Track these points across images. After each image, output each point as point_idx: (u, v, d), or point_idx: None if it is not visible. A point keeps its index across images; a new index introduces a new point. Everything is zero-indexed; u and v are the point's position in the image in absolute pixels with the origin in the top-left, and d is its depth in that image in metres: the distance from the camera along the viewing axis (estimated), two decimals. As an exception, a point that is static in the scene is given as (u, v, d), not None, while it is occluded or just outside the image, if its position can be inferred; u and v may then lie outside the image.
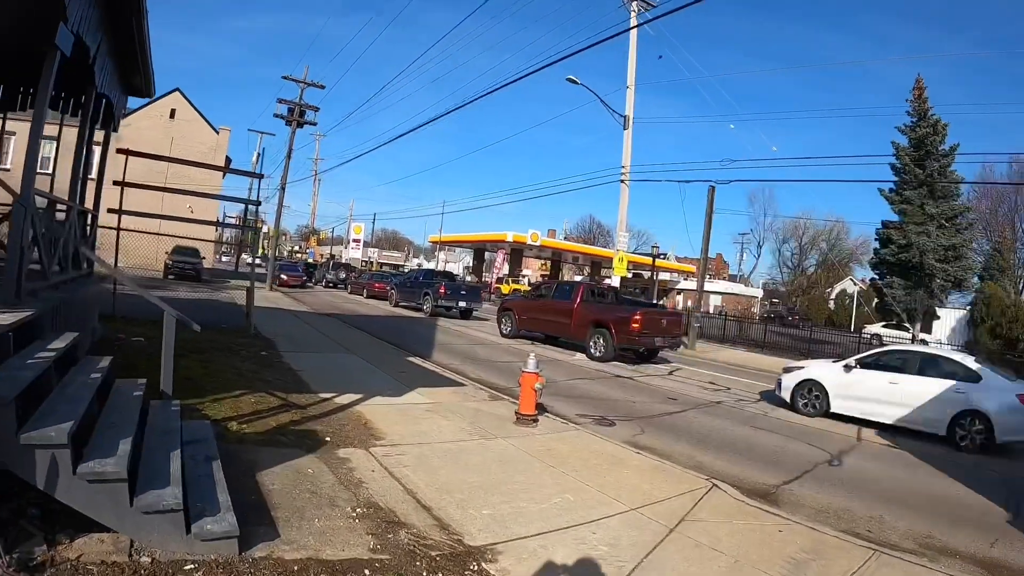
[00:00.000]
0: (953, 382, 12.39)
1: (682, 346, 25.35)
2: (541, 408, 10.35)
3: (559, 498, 6.56)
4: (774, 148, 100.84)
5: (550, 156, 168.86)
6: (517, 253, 71.77)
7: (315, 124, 38.96)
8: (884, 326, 39.03)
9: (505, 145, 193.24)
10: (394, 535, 5.10)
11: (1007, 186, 52.56)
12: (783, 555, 5.75)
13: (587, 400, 13.23)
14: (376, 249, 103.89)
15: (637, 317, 19.40)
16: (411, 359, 15.18)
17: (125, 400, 5.73)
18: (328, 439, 7.46)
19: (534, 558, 5.07)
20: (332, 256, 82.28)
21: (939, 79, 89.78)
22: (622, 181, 30.53)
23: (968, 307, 43.85)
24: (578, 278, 73.97)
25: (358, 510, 5.47)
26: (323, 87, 38.13)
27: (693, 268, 74.12)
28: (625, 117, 30.37)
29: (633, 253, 52.89)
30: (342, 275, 51.75)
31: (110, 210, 13.96)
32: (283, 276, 42.72)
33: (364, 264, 77.63)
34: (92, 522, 4.08)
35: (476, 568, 4.79)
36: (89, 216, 11.68)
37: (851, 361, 14.01)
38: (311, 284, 50.01)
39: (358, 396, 9.94)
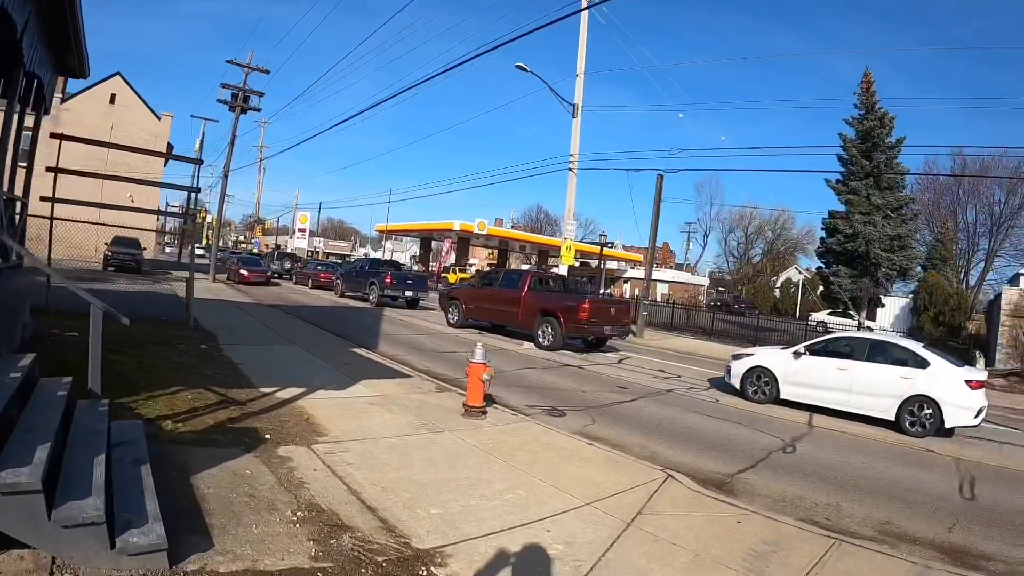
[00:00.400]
0: (902, 368, 12.53)
1: (631, 334, 25.36)
2: (490, 399, 10.19)
3: (511, 494, 6.37)
4: (723, 138, 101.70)
5: (498, 145, 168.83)
6: (464, 242, 71.62)
7: (259, 110, 37.99)
8: (830, 313, 39.71)
9: (453, 133, 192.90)
10: (337, 540, 4.83)
11: (950, 179, 54.72)
12: (744, 547, 5.67)
13: (536, 390, 13.11)
14: (322, 239, 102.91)
15: (586, 305, 19.35)
16: (356, 350, 14.87)
17: (48, 400, 5.39)
18: (268, 437, 7.15)
19: (486, 560, 4.87)
20: (278, 246, 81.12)
21: (886, 75, 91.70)
22: (570, 169, 30.47)
23: (911, 295, 45.02)
24: (525, 267, 73.92)
25: (299, 514, 5.19)
26: (268, 72, 37.25)
27: (640, 257, 74.73)
28: (574, 105, 30.30)
29: (581, 242, 52.98)
30: (287, 265, 50.79)
31: (43, 198, 13.42)
32: (243, 272, 37.25)
33: (310, 254, 76.73)
34: (12, 538, 3.76)
35: (425, 573, 4.56)
36: (18, 204, 11.17)
37: (800, 348, 14.07)
38: (278, 280, 44.22)
39: (300, 390, 9.63)
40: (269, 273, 41.85)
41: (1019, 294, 27.52)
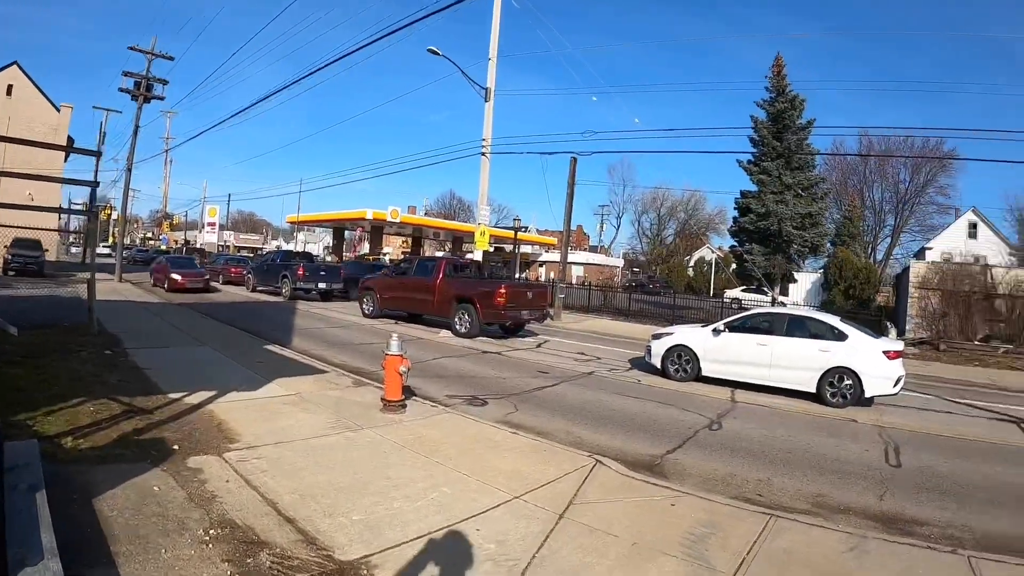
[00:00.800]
0: (821, 341, 12.85)
1: (548, 318, 25.38)
2: (408, 391, 10.01)
3: (436, 493, 6.17)
4: (636, 120, 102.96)
5: (410, 132, 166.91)
6: (377, 231, 70.64)
7: (163, 98, 36.07)
8: (744, 290, 40.74)
9: (364, 121, 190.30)
10: (254, 559, 4.53)
11: (857, 159, 57.73)
12: (680, 531, 5.63)
13: (456, 379, 12.97)
14: (232, 232, 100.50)
15: (502, 291, 19.27)
16: (269, 347, 14.46)
17: (-71, 424, 4.96)
18: (177, 447, 6.77)
19: (415, 567, 4.67)
20: (187, 242, 79.03)
21: (796, 58, 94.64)
22: (483, 154, 30.24)
23: (822, 270, 46.53)
24: (439, 254, 73.46)
25: (212, 532, 4.87)
26: (172, 59, 35.29)
27: (554, 240, 74.89)
28: (487, 89, 30.08)
29: (495, 227, 52.90)
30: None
31: (-70, 200, 12.65)
32: (175, 276, 30.78)
33: (221, 248, 74.88)
34: None
35: (350, 587, 4.33)
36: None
37: (720, 325, 14.21)
38: (219, 286, 36.32)
39: (211, 393, 9.24)
40: (207, 277, 33.64)
41: (926, 267, 28.59)
